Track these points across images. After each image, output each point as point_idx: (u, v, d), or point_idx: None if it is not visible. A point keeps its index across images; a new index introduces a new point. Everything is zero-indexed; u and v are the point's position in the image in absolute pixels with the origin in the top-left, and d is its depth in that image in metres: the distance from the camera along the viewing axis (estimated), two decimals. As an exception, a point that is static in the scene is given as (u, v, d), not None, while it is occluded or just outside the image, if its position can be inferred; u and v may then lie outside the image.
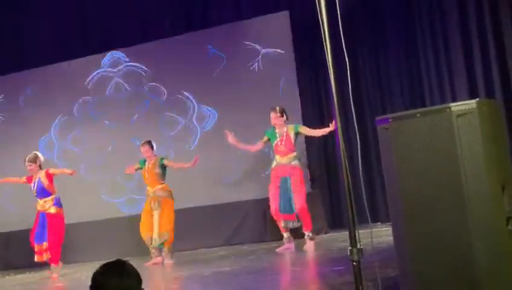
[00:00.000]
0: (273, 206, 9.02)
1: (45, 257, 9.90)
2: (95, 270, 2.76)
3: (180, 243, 9.97)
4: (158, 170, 9.74)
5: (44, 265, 10.17)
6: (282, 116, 9.05)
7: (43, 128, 12.33)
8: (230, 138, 9.47)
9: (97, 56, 12.12)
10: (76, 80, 12.16)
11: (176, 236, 9.73)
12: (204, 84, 11.34)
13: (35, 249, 9.90)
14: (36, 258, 9.96)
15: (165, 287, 7.64)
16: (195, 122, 11.43)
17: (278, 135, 9.07)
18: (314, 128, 9.20)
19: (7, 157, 12.10)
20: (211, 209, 10.94)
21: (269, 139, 9.16)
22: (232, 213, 10.84)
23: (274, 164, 9.13)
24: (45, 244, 9.84)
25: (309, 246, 8.78)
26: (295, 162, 9.04)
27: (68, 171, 10.12)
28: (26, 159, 10.03)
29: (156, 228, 9.60)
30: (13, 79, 12.60)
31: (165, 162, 9.82)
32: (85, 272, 9.14)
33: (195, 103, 11.43)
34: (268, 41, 10.98)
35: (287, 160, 9.02)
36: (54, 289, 8.96)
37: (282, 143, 9.02)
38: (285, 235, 9.01)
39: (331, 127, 8.59)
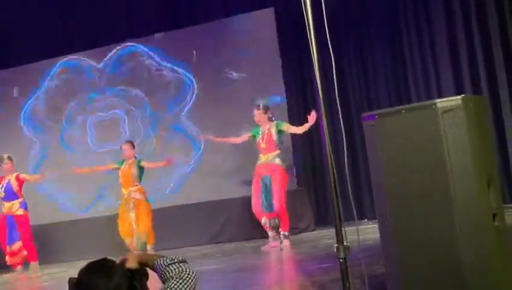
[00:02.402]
0: (255, 203, 9.03)
1: (19, 257, 9.85)
2: (80, 269, 2.69)
3: (164, 241, 9.94)
4: (134, 171, 9.71)
5: (14, 268, 10.08)
6: (266, 113, 9.04)
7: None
8: (212, 138, 9.66)
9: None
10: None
11: (161, 234, 9.72)
12: (189, 80, 11.33)
13: (8, 252, 9.83)
14: (9, 261, 9.90)
15: (150, 285, 7.58)
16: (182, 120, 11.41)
17: (260, 133, 9.07)
18: (298, 126, 9.21)
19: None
20: (196, 208, 10.91)
21: (254, 136, 9.16)
22: (218, 211, 10.81)
23: (258, 162, 9.12)
24: (18, 244, 9.79)
25: (284, 245, 8.80)
26: (275, 161, 9.01)
27: (39, 176, 10.06)
28: (5, 157, 9.99)
29: (134, 229, 9.59)
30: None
31: (143, 163, 9.81)
32: (70, 271, 9.08)
33: (181, 103, 11.39)
34: (254, 38, 10.96)
35: (268, 158, 9.00)
36: (41, 289, 8.88)
37: (264, 141, 9.01)
38: (270, 233, 9.01)
39: (311, 122, 8.63)
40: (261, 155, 9.09)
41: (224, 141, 9.72)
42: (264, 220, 8.99)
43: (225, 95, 11.07)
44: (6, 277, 10.15)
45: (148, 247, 9.56)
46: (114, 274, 2.62)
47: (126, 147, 9.87)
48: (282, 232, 8.92)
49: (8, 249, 9.89)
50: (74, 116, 12.04)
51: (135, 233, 9.61)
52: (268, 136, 9.01)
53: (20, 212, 9.89)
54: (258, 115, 9.06)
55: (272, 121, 9.10)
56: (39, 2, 12.36)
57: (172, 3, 11.99)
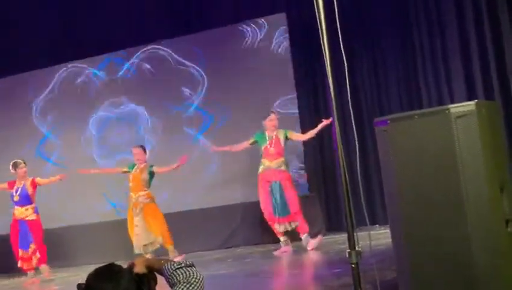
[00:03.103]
0: (267, 210, 9.06)
1: (34, 261, 9.87)
2: (88, 275, 2.70)
3: (176, 246, 9.92)
4: (145, 176, 9.69)
5: (26, 272, 10.13)
6: (277, 119, 9.13)
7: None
8: (213, 148, 9.76)
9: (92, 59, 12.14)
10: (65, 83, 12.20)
11: (171, 239, 9.71)
12: (200, 87, 11.34)
13: (22, 256, 9.84)
14: (22, 265, 9.92)
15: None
16: (191, 124, 11.41)
17: (267, 138, 9.09)
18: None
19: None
20: (206, 212, 10.89)
21: (257, 142, 9.19)
22: (228, 216, 10.80)
23: (261, 168, 9.14)
24: (32, 247, 9.81)
25: (312, 243, 8.82)
26: (283, 167, 9.06)
27: (55, 179, 10.04)
28: (21, 161, 10.00)
29: (143, 234, 9.56)
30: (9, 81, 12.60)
31: (155, 168, 9.77)
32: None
33: (191, 105, 11.40)
34: (265, 43, 10.95)
35: (275, 164, 9.03)
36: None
37: (272, 146, 9.04)
38: (282, 238, 9.02)
39: (317, 129, 8.71)
40: (265, 160, 9.10)
41: (225, 149, 9.75)
42: (276, 226, 9.01)
43: (234, 102, 11.07)
44: (19, 280, 10.18)
45: (170, 248, 9.53)
46: (121, 279, 2.64)
47: (137, 151, 9.83)
48: (304, 235, 8.92)
49: (21, 253, 9.91)
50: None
51: (145, 238, 9.59)
52: (276, 142, 9.05)
53: (33, 217, 9.90)
54: (274, 120, 9.12)
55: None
56: (40, 4, 12.37)
57: (182, 9, 11.97)
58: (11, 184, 10.09)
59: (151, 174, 9.75)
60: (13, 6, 12.36)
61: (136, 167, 9.79)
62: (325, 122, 8.77)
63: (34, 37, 12.32)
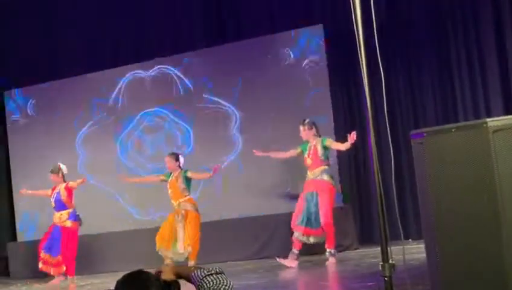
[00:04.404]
0: (294, 216, 9.01)
1: (57, 269, 9.88)
2: (116, 281, 2.71)
3: (207, 255, 9.92)
4: (181, 184, 9.70)
5: (49, 275, 10.18)
6: (311, 129, 9.02)
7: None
8: (259, 153, 9.59)
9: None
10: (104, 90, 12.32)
11: (204, 248, 9.71)
12: (235, 96, 11.36)
13: (43, 258, 9.86)
14: (41, 267, 9.94)
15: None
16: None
17: (308, 148, 9.05)
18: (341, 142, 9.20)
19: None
20: (239, 223, 10.91)
21: (302, 152, 9.14)
22: (261, 227, 10.79)
23: (306, 178, 9.10)
24: (59, 257, 9.83)
25: (331, 262, 8.73)
26: (322, 177, 8.97)
27: (79, 181, 10.09)
28: (56, 167, 10.09)
29: (179, 241, 9.56)
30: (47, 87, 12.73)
31: (189, 174, 9.79)
32: (113, 283, 9.12)
33: (226, 115, 11.44)
34: (301, 54, 10.95)
35: (314, 175, 8.98)
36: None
37: (310, 156, 9.00)
38: (295, 250, 8.93)
39: (351, 140, 8.57)
40: (308, 171, 9.07)
41: (271, 155, 9.71)
42: (297, 235, 8.94)
43: (270, 111, 11.08)
44: (54, 285, 10.22)
45: (191, 262, 9.52)
46: (149, 286, 2.65)
47: (167, 160, 9.91)
48: (328, 250, 8.85)
49: (42, 255, 9.94)
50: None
51: (178, 246, 9.59)
52: (314, 152, 8.99)
53: (69, 224, 9.89)
54: (303, 131, 9.06)
55: (319, 136, 9.08)
56: (87, 18, 12.57)
57: (219, 19, 12.04)
58: (53, 190, 10.19)
59: (187, 179, 9.77)
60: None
61: (172, 174, 9.84)
62: (353, 134, 8.59)
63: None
